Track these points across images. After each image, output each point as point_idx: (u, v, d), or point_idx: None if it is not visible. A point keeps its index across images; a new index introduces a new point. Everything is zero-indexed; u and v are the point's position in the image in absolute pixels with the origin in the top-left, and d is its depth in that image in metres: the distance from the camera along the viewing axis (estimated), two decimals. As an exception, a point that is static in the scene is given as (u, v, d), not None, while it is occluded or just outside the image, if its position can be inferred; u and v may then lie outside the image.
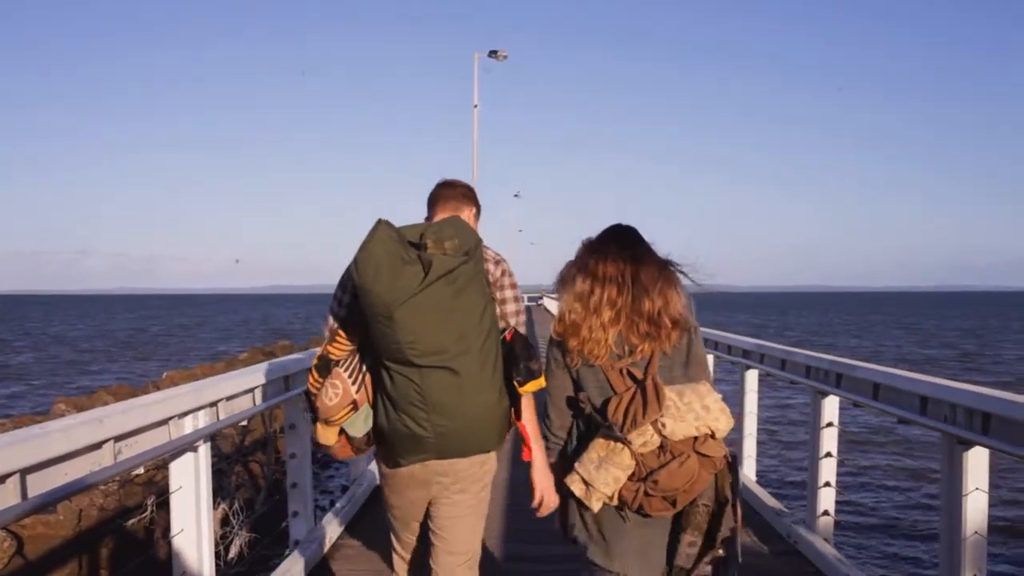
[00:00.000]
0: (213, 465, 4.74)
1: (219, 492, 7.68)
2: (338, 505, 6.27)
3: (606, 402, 2.64)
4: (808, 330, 66.14)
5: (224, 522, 7.72)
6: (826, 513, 5.37)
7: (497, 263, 3.17)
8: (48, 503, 2.69)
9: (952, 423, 3.84)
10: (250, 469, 10.13)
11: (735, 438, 7.60)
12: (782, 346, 6.66)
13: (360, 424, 2.93)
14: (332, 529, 5.72)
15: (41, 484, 2.70)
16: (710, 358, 8.61)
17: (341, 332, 2.94)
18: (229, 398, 4.31)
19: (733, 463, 2.74)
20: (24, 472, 2.61)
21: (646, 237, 2.83)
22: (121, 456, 3.19)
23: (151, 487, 8.72)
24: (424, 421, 2.76)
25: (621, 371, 2.67)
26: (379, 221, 2.66)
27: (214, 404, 4.10)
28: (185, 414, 3.77)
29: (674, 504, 2.62)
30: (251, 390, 4.70)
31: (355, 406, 2.90)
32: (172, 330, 74.95)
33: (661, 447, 2.58)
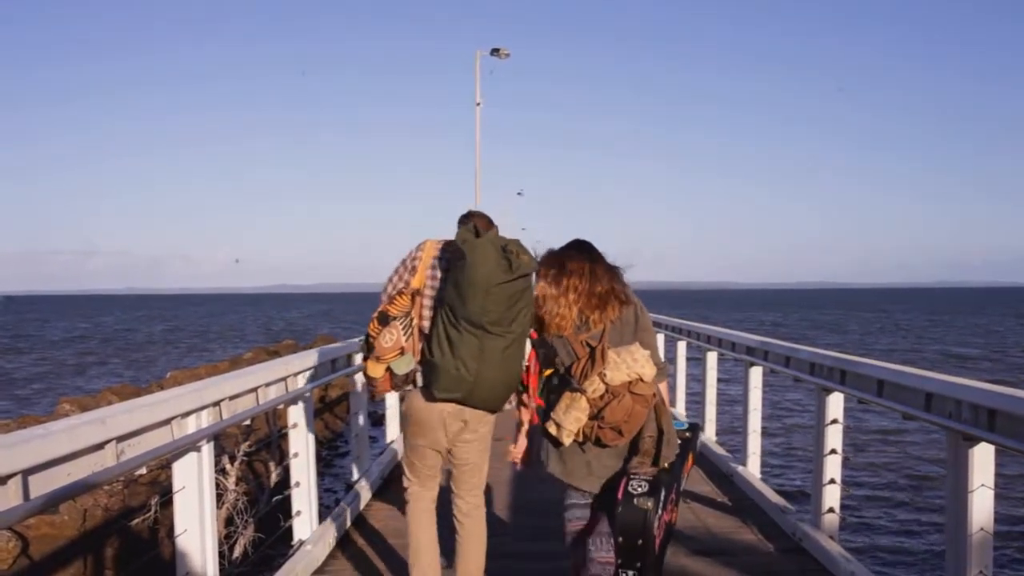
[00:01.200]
0: (216, 465, 4.74)
1: (223, 492, 7.69)
2: (342, 504, 6.26)
3: (571, 364, 3.57)
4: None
5: (228, 522, 7.72)
6: (831, 510, 5.35)
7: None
8: (51, 503, 2.68)
9: (958, 419, 3.83)
10: (254, 468, 10.14)
11: (739, 435, 7.60)
12: (786, 343, 6.63)
13: (403, 365, 3.86)
14: (336, 528, 5.71)
15: (44, 485, 2.69)
16: (713, 355, 8.63)
17: (398, 297, 3.92)
18: (232, 398, 4.30)
19: (694, 431, 4.01)
20: (26, 473, 2.60)
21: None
22: (124, 456, 3.18)
23: (155, 487, 8.73)
24: (473, 369, 3.71)
25: (582, 342, 3.61)
26: (463, 226, 3.76)
27: (217, 404, 4.09)
28: (188, 414, 3.76)
29: (621, 433, 3.53)
30: (254, 389, 4.69)
31: (402, 351, 3.86)
32: (177, 330, 75.06)
33: (606, 391, 3.49)
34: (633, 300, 3.77)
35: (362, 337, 4.24)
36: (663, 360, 3.84)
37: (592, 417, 3.51)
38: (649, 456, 3.61)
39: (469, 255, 3.62)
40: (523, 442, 4.02)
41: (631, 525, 3.47)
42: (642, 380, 3.53)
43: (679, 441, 3.75)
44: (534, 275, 3.76)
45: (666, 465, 3.63)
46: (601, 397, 3.51)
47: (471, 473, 4.14)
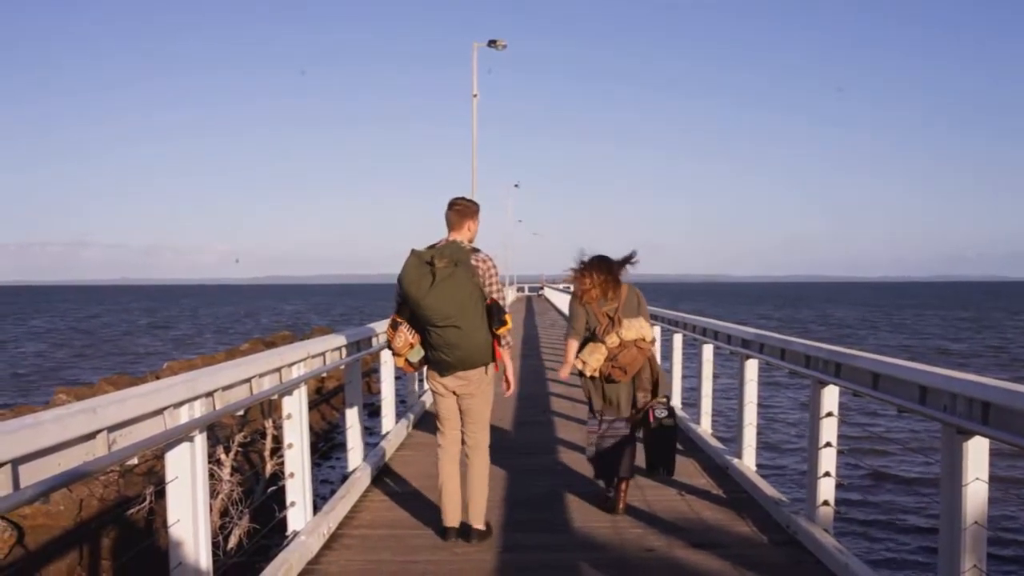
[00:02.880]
0: (211, 455, 4.72)
1: (217, 482, 7.68)
2: (337, 495, 6.25)
3: (596, 327, 5.99)
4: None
5: (223, 512, 7.71)
6: (826, 503, 5.35)
7: (484, 261, 5.24)
8: (41, 493, 2.66)
9: (952, 412, 3.82)
10: (249, 459, 10.13)
11: (734, 427, 7.60)
12: (781, 335, 6.63)
13: (415, 355, 5.24)
14: (331, 519, 5.70)
15: (34, 474, 2.68)
16: (709, 348, 8.66)
17: (401, 306, 5.19)
18: (225, 388, 4.29)
19: (664, 409, 5.98)
20: (16, 462, 2.58)
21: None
22: (116, 446, 3.17)
23: (151, 477, 8.73)
24: (447, 354, 5.13)
25: (604, 313, 6.01)
26: (412, 251, 5.03)
27: (210, 394, 4.07)
28: (180, 404, 3.74)
29: (625, 372, 5.89)
30: (248, 380, 4.68)
31: (412, 345, 5.21)
32: (174, 321, 74.99)
33: (620, 344, 5.87)
34: (634, 288, 6.15)
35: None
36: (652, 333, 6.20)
37: (608, 359, 5.90)
38: (648, 392, 6.03)
39: (399, 282, 5.08)
40: (510, 379, 5.50)
41: (662, 438, 5.93)
42: (643, 339, 5.92)
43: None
44: (480, 263, 5.19)
45: (664, 398, 6.01)
46: (617, 347, 5.89)
47: (473, 419, 5.42)
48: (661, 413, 5.85)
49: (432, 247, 5.10)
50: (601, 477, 6.18)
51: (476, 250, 5.26)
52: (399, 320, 5.16)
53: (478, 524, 5.40)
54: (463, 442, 5.47)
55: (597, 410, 6.07)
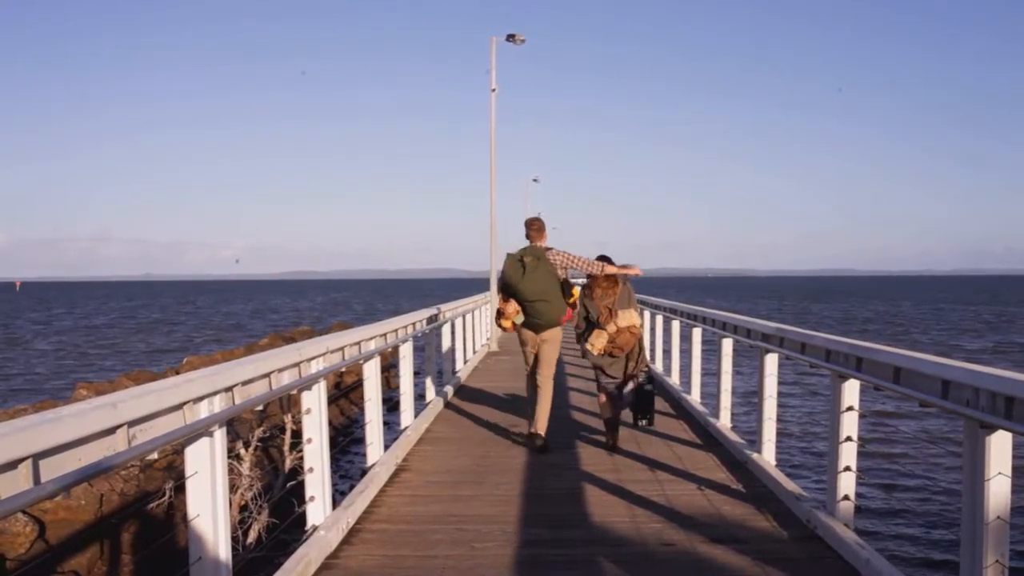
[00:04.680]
0: (230, 450, 4.73)
1: (237, 477, 7.71)
2: (356, 490, 6.27)
3: (598, 316, 7.92)
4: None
5: (243, 507, 7.74)
6: (846, 498, 5.31)
7: (556, 254, 7.94)
8: (61, 488, 2.67)
9: (975, 407, 3.77)
10: (269, 454, 10.17)
11: (753, 420, 7.57)
12: (801, 329, 6.58)
13: (519, 318, 7.95)
14: (350, 514, 5.72)
15: (54, 469, 2.69)
16: (728, 342, 8.64)
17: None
18: (245, 383, 4.29)
19: (644, 378, 8.18)
20: (37, 457, 2.59)
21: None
22: (136, 441, 3.18)
23: (171, 471, 8.78)
24: (537, 317, 7.90)
25: (605, 306, 7.94)
26: (507, 254, 8.05)
27: (229, 389, 4.08)
28: (200, 399, 3.75)
29: (622, 350, 7.92)
30: (267, 375, 4.68)
31: (518, 311, 7.93)
32: (198, 315, 75.42)
33: (617, 330, 7.84)
34: (627, 285, 8.15)
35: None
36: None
37: (609, 341, 7.87)
38: (636, 361, 8.08)
39: (503, 270, 8.05)
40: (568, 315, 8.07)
41: (643, 397, 8.08)
42: (635, 326, 7.95)
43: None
44: (554, 256, 7.91)
45: (645, 368, 8.18)
46: (615, 332, 7.85)
47: (546, 363, 8.15)
48: (643, 379, 8.05)
49: (522, 250, 7.90)
50: (608, 424, 8.25)
51: (549, 248, 8.00)
52: (508, 298, 7.98)
53: (542, 431, 8.09)
54: (537, 375, 8.17)
55: (601, 378, 8.19)
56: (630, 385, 8.03)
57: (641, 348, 8.15)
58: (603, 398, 8.20)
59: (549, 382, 8.16)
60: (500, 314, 8.07)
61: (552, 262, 7.81)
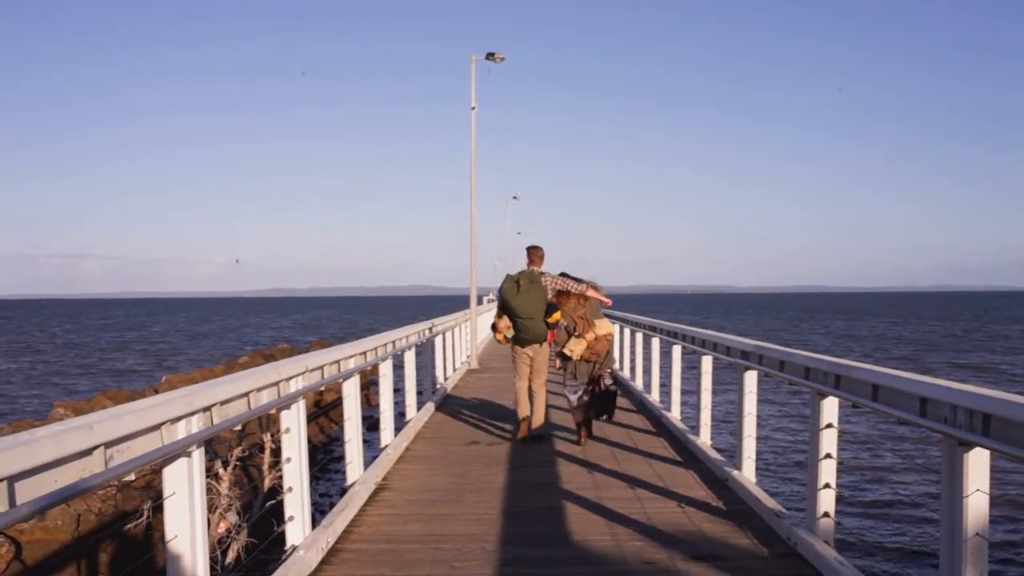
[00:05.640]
0: (209, 470, 4.70)
1: (216, 497, 7.64)
2: (336, 509, 6.22)
3: (574, 326, 9.11)
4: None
5: (222, 527, 7.67)
6: (826, 515, 5.33)
7: (547, 279, 9.15)
8: (37, 511, 2.64)
9: (952, 424, 3.80)
10: (248, 473, 10.10)
11: (733, 436, 7.58)
12: (780, 347, 6.61)
13: (511, 333, 9.29)
14: (330, 533, 5.67)
15: (30, 491, 2.66)
16: (708, 359, 8.67)
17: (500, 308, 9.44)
18: (223, 402, 4.27)
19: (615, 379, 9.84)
20: (12, 479, 2.56)
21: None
22: (112, 462, 3.15)
23: (149, 491, 8.69)
24: (527, 334, 9.23)
25: (578, 316, 9.11)
26: (506, 275, 9.46)
27: (207, 409, 4.05)
28: (178, 419, 3.72)
29: (597, 355, 9.11)
30: (246, 394, 4.66)
31: (509, 327, 9.25)
32: (176, 335, 74.90)
33: (596, 336, 9.05)
34: (593, 300, 9.16)
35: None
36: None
37: (587, 348, 8.93)
38: (602, 365, 9.14)
39: (501, 289, 9.33)
40: (550, 337, 9.27)
41: (606, 396, 9.22)
42: (608, 334, 9.17)
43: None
44: (545, 281, 9.12)
45: (609, 369, 9.28)
46: (593, 340, 8.97)
47: (538, 373, 9.44)
48: (608, 381, 9.22)
49: (520, 273, 9.19)
50: (578, 426, 9.28)
51: (543, 273, 9.19)
52: (503, 314, 9.19)
53: (538, 427, 9.42)
54: (530, 383, 9.43)
55: (571, 382, 9.22)
56: (599, 386, 9.17)
57: (609, 352, 9.33)
58: (575, 403, 9.25)
59: (542, 388, 9.56)
60: (495, 328, 9.47)
61: (543, 285, 9.04)
